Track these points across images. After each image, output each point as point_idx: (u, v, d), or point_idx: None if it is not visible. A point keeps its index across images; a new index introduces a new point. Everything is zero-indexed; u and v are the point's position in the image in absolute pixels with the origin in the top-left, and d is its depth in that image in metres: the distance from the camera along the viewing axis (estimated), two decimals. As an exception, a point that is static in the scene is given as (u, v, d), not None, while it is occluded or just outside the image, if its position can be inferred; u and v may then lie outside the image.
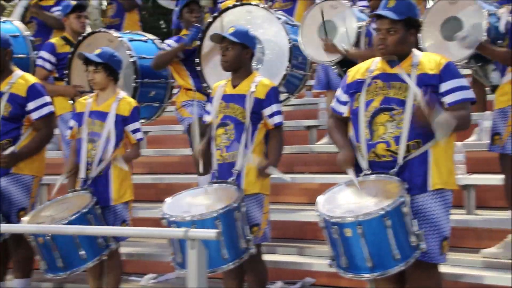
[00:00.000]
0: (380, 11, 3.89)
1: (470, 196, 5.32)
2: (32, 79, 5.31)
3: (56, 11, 7.82)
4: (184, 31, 6.28)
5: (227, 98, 4.59)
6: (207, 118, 4.72)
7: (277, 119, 4.54)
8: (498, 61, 4.75)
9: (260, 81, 4.58)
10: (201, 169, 4.63)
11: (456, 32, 4.88)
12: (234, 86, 4.61)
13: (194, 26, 5.97)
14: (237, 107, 4.53)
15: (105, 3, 9.18)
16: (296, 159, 6.68)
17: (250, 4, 6.06)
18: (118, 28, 7.99)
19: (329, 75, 7.06)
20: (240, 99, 4.54)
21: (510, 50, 4.64)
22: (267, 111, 4.53)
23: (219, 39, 4.61)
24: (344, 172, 3.95)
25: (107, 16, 9.11)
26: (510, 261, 4.66)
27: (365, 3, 6.83)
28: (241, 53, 4.57)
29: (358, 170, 3.93)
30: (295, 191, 6.43)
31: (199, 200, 4.43)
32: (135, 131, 5.01)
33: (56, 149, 7.76)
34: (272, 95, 4.55)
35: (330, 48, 5.84)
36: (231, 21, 5.80)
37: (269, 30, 5.74)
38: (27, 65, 6.42)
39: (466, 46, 4.78)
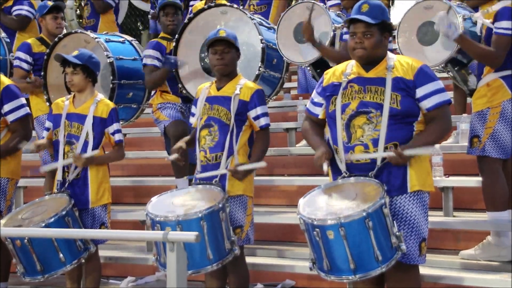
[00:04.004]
0: (355, 16, 3.91)
1: (448, 198, 5.35)
2: (6, 81, 5.24)
3: (15, 11, 7.74)
4: (162, 34, 6.26)
5: (211, 100, 4.58)
6: (192, 120, 4.70)
7: (263, 121, 4.54)
8: (475, 57, 4.75)
9: (244, 84, 4.58)
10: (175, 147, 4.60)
11: (433, 37, 4.89)
12: (219, 88, 4.60)
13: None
14: (222, 108, 4.52)
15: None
16: (275, 162, 6.67)
17: (224, 5, 6.05)
18: (94, 29, 7.92)
19: (308, 78, 7.03)
20: (224, 101, 4.53)
21: (489, 48, 4.62)
22: (252, 114, 4.53)
23: (217, 42, 4.49)
24: (323, 174, 3.95)
25: (84, 17, 9.05)
26: (488, 262, 4.71)
27: (334, 1, 6.84)
28: (235, 56, 4.57)
29: (336, 172, 3.94)
30: (274, 193, 6.42)
31: (183, 200, 4.39)
32: (114, 133, 4.96)
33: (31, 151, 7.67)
34: (257, 98, 4.54)
35: (308, 29, 5.27)
36: (206, 22, 5.78)
37: (242, 31, 5.72)
38: (4, 67, 6.36)
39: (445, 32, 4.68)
